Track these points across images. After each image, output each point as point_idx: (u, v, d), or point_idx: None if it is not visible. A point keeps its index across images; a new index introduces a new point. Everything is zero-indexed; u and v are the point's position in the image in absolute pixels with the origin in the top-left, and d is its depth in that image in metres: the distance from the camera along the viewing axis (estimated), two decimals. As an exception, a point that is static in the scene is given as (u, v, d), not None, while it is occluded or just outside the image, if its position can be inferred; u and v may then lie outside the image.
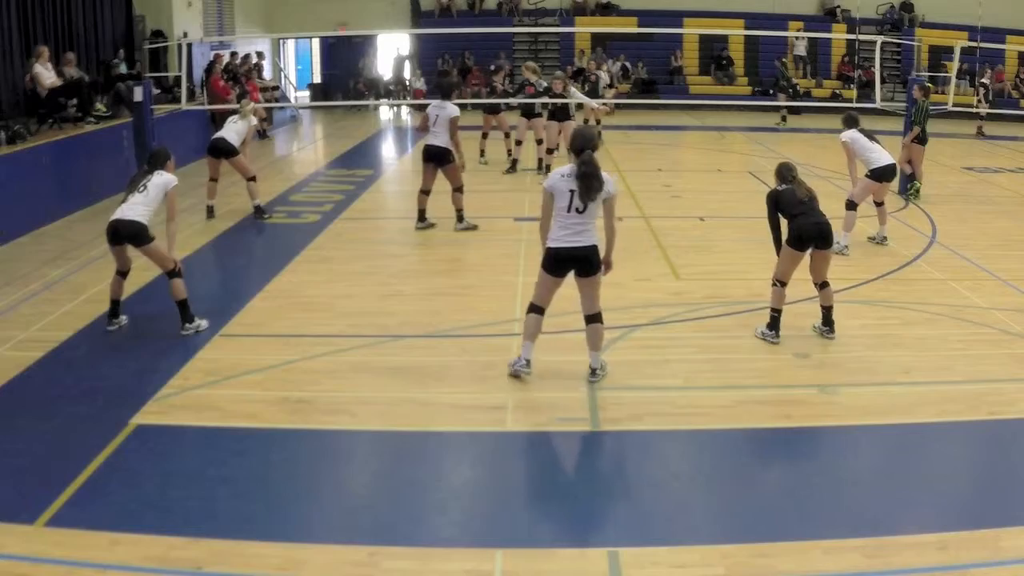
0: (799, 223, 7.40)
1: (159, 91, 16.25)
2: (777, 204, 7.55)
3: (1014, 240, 11.14)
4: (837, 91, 26.54)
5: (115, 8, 17.19)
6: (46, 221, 11.58)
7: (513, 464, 5.66)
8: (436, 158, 11.12)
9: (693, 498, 5.27)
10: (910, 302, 8.54)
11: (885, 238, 10.79)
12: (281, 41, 27.84)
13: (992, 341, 7.54)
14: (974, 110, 20.22)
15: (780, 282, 7.53)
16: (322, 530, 4.87)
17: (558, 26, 26.97)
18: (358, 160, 17.70)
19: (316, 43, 29.79)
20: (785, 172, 7.72)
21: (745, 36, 25.94)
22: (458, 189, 11.25)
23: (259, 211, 12.22)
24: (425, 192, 11.30)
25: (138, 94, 13.30)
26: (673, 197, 13.75)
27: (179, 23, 19.73)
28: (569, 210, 6.51)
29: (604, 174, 6.48)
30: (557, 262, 6.59)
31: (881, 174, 10.44)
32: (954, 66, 18.13)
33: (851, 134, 10.46)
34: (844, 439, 5.94)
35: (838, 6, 27.48)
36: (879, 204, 10.77)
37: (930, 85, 14.79)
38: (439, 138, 11.16)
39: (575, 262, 6.53)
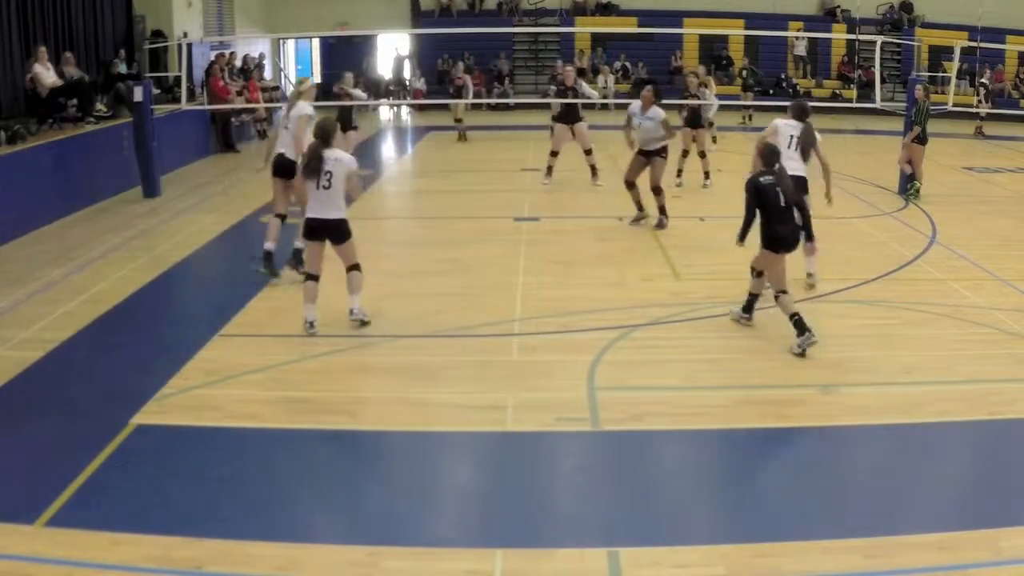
0: (777, 230, 7.33)
1: (159, 91, 16.25)
2: (758, 198, 7.37)
3: (1014, 240, 11.13)
4: (837, 91, 26.53)
5: (115, 8, 17.19)
6: (46, 221, 11.58)
7: (513, 464, 5.66)
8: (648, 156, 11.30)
9: (693, 498, 5.27)
10: (910, 302, 8.53)
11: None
12: (281, 41, 27.82)
13: (992, 341, 7.54)
14: (974, 110, 20.22)
15: (782, 291, 7.39)
16: (322, 530, 4.87)
17: (558, 26, 26.96)
18: (358, 160, 17.63)
19: (316, 43, 29.77)
20: (770, 156, 7.52)
21: (745, 36, 25.92)
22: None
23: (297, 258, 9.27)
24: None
25: (138, 94, 13.32)
26: (673, 197, 13.72)
27: (179, 23, 19.73)
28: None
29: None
30: None
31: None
32: (954, 66, 18.13)
33: (782, 124, 8.99)
34: (844, 439, 5.93)
35: (838, 6, 27.47)
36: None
37: (930, 85, 14.77)
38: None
39: None
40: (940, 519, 4.94)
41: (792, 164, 8.48)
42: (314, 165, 7.40)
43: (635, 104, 11.32)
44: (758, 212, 7.39)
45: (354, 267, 7.74)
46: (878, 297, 8.72)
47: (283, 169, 9.02)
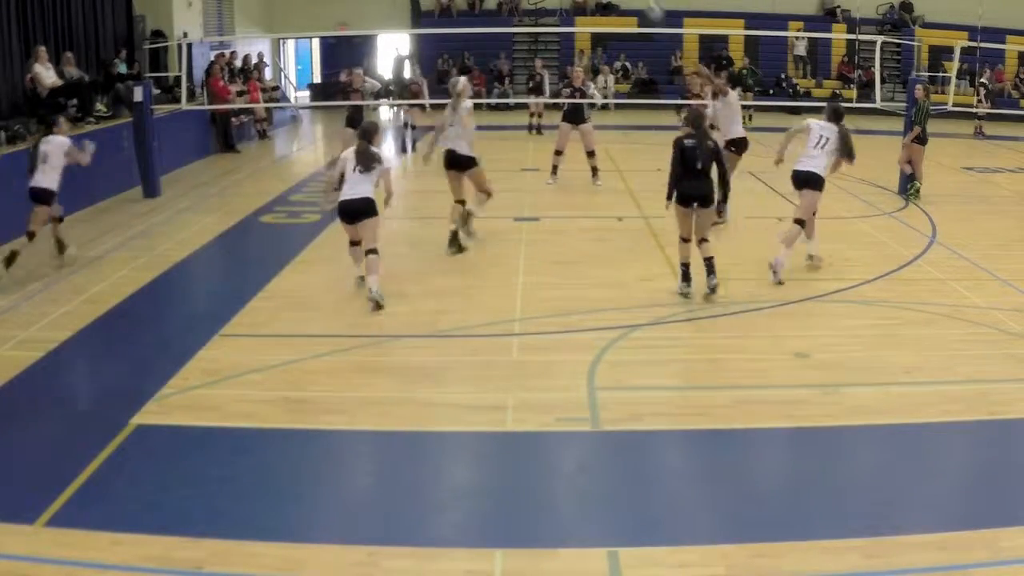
0: (688, 186, 8.22)
1: (159, 91, 16.25)
2: (681, 156, 8.20)
3: (1014, 240, 11.13)
4: (837, 91, 26.51)
5: (115, 8, 17.19)
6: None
7: (513, 464, 5.66)
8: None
9: (693, 498, 5.27)
10: (910, 302, 8.53)
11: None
12: (281, 41, 27.82)
13: (992, 341, 7.54)
14: (974, 110, 20.20)
15: (683, 239, 8.44)
16: (322, 530, 4.87)
17: (558, 26, 26.95)
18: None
19: (316, 43, 29.77)
20: (696, 121, 8.33)
21: (745, 36, 25.90)
22: None
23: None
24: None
25: (138, 94, 13.32)
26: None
27: (179, 23, 19.71)
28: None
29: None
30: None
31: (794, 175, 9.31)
32: (954, 66, 18.11)
33: (815, 124, 9.31)
34: (844, 439, 5.93)
35: (838, 6, 27.45)
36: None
37: (930, 85, 14.76)
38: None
39: None
40: (940, 519, 4.94)
41: (814, 162, 9.08)
42: (366, 162, 8.49)
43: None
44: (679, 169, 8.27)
45: (372, 250, 8.53)
46: (878, 297, 8.72)
47: (456, 163, 10.35)
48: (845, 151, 9.15)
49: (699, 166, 8.17)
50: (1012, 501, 5.12)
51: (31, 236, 9.54)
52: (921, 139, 13.22)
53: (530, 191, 13.82)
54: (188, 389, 6.52)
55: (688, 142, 8.21)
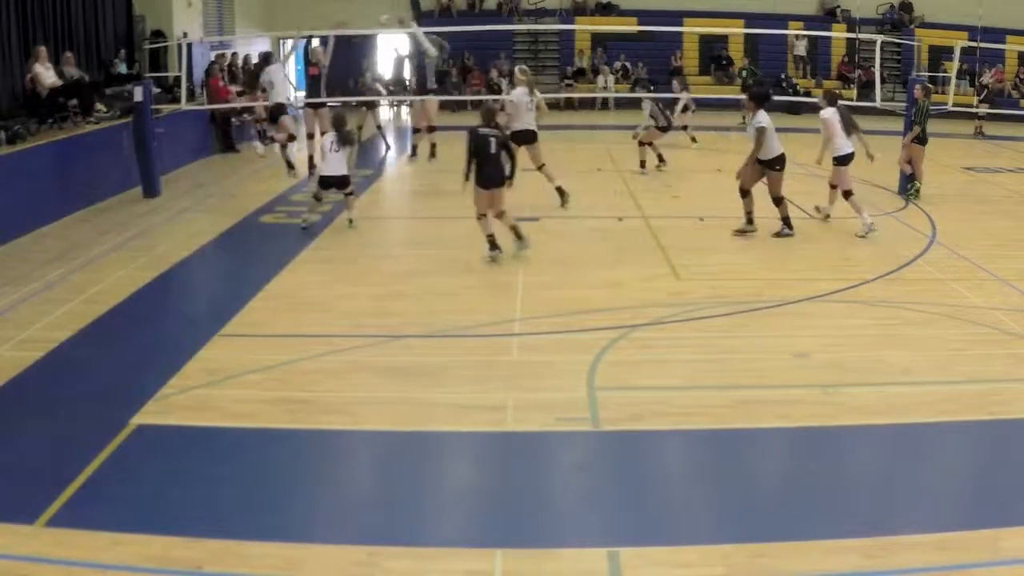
0: (486, 171, 9.32)
1: (159, 91, 16.24)
2: (475, 145, 9.31)
3: (1014, 240, 11.13)
4: (837, 91, 26.45)
5: (115, 8, 17.19)
6: (46, 221, 11.57)
7: (513, 464, 5.66)
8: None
9: (693, 498, 5.27)
10: (910, 302, 8.53)
11: (829, 215, 11.75)
12: (281, 41, 27.81)
13: (992, 341, 7.54)
14: (974, 110, 20.19)
15: (481, 215, 9.56)
16: (322, 530, 4.87)
17: (558, 26, 26.96)
18: (358, 160, 17.64)
19: (316, 43, 29.73)
20: (487, 114, 9.51)
21: (745, 36, 25.91)
22: None
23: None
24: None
25: (138, 94, 13.31)
26: (673, 197, 13.75)
27: (179, 23, 19.72)
28: None
29: None
30: None
31: (844, 160, 11.23)
32: (954, 66, 18.11)
33: (831, 112, 11.20)
34: (844, 439, 5.93)
35: (838, 6, 27.46)
36: (834, 187, 11.54)
37: (930, 85, 14.77)
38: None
39: None
40: (940, 519, 4.94)
41: (844, 143, 11.07)
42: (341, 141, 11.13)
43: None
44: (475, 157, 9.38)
45: (349, 193, 11.26)
46: (878, 297, 8.72)
47: (526, 138, 12.21)
48: (852, 125, 11.08)
49: (493, 151, 9.33)
50: (1012, 501, 5.11)
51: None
52: (921, 139, 13.23)
53: (530, 191, 13.79)
54: (188, 389, 6.52)
55: (481, 131, 9.35)
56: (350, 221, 11.23)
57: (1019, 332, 7.73)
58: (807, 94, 25.61)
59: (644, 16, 26.78)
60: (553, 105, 25.49)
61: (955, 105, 15.70)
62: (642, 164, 15.41)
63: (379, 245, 10.95)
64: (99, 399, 6.36)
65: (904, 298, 8.66)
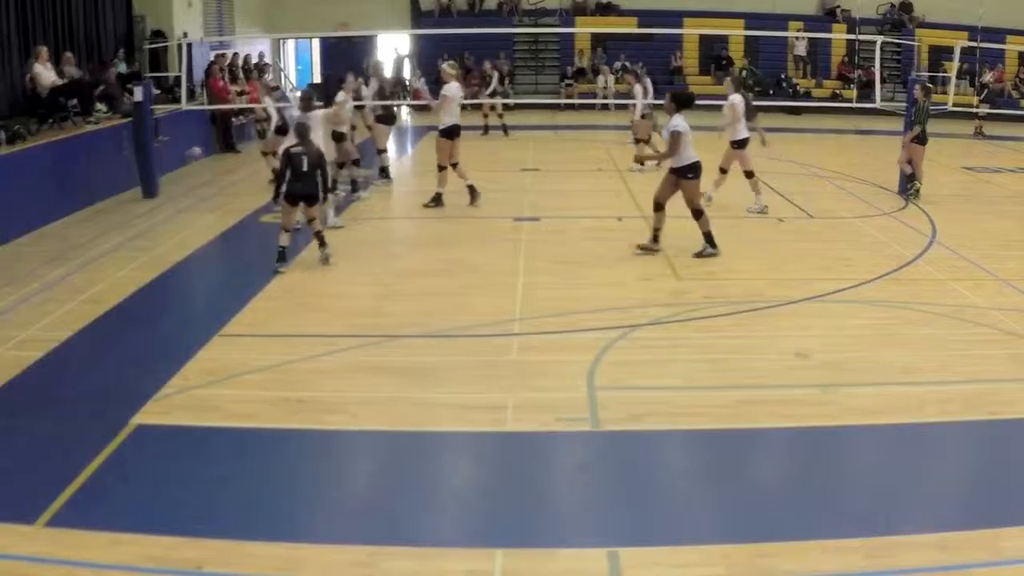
0: (296, 187, 9.35)
1: (159, 91, 16.24)
2: (289, 162, 9.34)
3: (1014, 240, 11.14)
4: (837, 91, 26.53)
5: (115, 8, 17.18)
6: (46, 221, 11.57)
7: (513, 464, 5.66)
8: None
9: (693, 498, 5.27)
10: (910, 302, 8.53)
11: (765, 207, 12.07)
12: (281, 41, 27.82)
13: (992, 341, 7.54)
14: (974, 110, 20.18)
15: (285, 230, 9.60)
16: (322, 530, 4.87)
17: (558, 26, 26.96)
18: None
19: (316, 43, 29.76)
20: (301, 133, 9.48)
21: (745, 36, 25.91)
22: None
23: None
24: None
25: (138, 94, 13.30)
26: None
27: (179, 23, 19.71)
28: None
29: None
30: None
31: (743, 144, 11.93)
32: (954, 66, 18.11)
33: (738, 98, 11.89)
34: (844, 439, 5.93)
35: (838, 6, 27.46)
36: (724, 171, 12.22)
37: (930, 85, 14.76)
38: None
39: None
40: (940, 519, 4.94)
41: (743, 128, 11.88)
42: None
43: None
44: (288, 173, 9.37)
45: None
46: (878, 297, 8.72)
47: (455, 133, 12.30)
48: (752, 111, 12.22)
49: (305, 168, 9.33)
50: (1012, 501, 5.12)
51: None
52: (921, 139, 13.22)
53: (530, 191, 13.82)
54: (188, 389, 6.52)
55: (294, 150, 9.40)
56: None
57: (1019, 332, 7.73)
58: (807, 94, 25.64)
59: (644, 16, 26.78)
60: (553, 105, 25.58)
61: (955, 105, 15.71)
62: (641, 162, 15.33)
63: (379, 245, 10.94)
64: (99, 399, 6.36)
65: (904, 298, 8.66)
